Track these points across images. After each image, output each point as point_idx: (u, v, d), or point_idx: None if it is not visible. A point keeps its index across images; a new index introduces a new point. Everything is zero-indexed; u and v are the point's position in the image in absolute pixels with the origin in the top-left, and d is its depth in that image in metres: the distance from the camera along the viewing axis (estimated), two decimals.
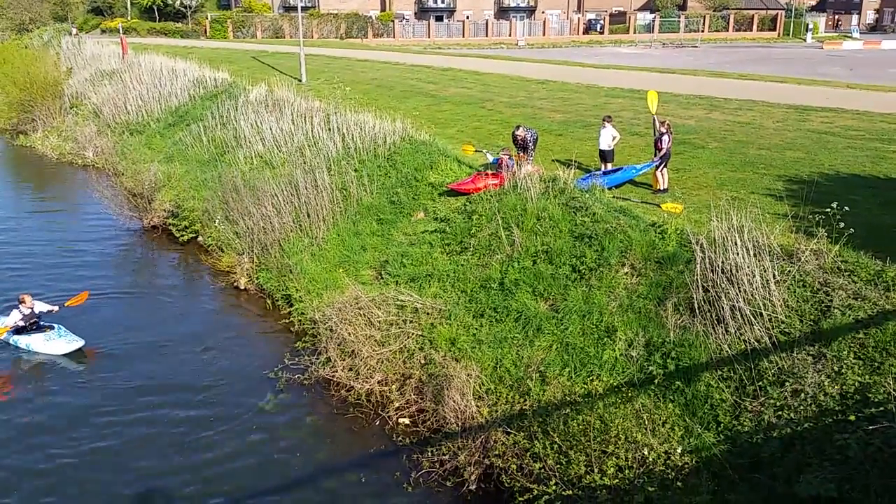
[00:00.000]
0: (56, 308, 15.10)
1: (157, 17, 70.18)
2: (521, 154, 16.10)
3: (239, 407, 12.23)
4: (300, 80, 32.01)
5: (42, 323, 14.92)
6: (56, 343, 14.58)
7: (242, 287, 16.97)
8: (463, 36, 75.09)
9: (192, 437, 11.45)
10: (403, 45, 65.30)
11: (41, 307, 14.97)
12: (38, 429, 11.81)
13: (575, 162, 15.38)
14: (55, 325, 14.88)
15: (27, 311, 14.71)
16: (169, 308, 16.26)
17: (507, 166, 15.32)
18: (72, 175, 28.68)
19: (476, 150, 16.64)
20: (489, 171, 15.71)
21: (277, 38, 66.79)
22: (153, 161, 24.08)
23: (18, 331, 14.71)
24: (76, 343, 14.56)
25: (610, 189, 14.87)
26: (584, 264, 12.05)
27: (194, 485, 10.38)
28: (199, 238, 19.77)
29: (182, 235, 19.90)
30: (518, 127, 16.45)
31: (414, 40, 72.12)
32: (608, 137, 15.86)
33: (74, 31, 61.87)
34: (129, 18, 69.36)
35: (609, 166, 15.99)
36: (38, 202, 25.51)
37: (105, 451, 11.20)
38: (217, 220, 18.99)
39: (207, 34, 65.95)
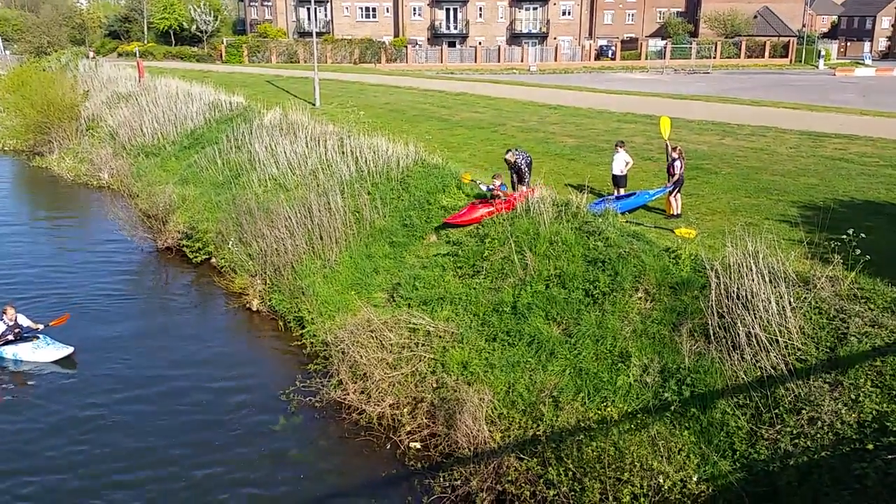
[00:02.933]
0: (40, 326, 15.22)
1: (174, 41, 71.21)
2: (518, 183, 15.97)
3: (250, 428, 12.20)
4: (314, 104, 32.30)
5: (25, 334, 15.01)
6: (45, 351, 14.69)
7: (255, 308, 17.01)
8: (475, 61, 75.73)
9: (201, 458, 11.41)
10: (416, 70, 65.89)
11: (24, 321, 15.08)
12: (41, 441, 11.83)
13: (588, 186, 15.39)
14: (40, 335, 15.00)
15: (10, 323, 14.81)
16: (181, 328, 16.30)
17: (502, 194, 15.25)
18: (87, 196, 28.95)
19: (472, 180, 16.51)
20: (486, 200, 15.64)
21: (292, 62, 67.57)
22: (168, 183, 24.31)
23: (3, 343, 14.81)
24: (65, 350, 14.68)
25: (623, 214, 14.86)
26: (598, 289, 12.01)
27: None
28: (213, 259, 19.87)
29: (196, 257, 20.01)
30: (508, 151, 16.16)
31: (427, 65, 72.79)
32: (621, 162, 15.88)
33: (92, 54, 62.82)
34: (145, 42, 70.41)
35: (622, 191, 16.00)
36: (53, 222, 25.72)
37: (107, 468, 11.19)
38: (230, 242, 19.10)
39: (223, 58, 66.84)
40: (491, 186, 15.59)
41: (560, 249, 13.11)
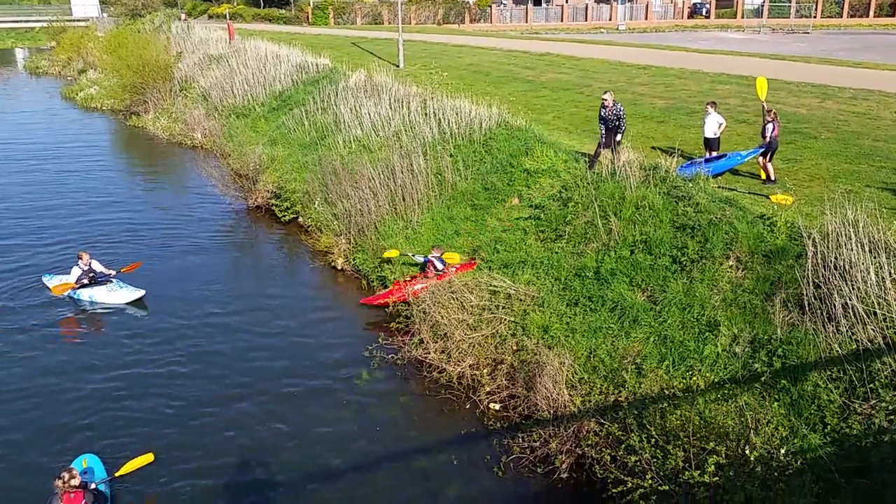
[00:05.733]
0: (112, 272, 16.07)
1: (262, 4, 72.32)
2: (606, 135, 15.09)
3: (333, 381, 12.58)
4: (398, 66, 32.35)
5: (99, 279, 15.84)
6: (119, 293, 15.56)
7: (339, 267, 17.39)
8: (561, 21, 73.95)
9: (280, 408, 11.83)
10: (500, 31, 64.91)
11: (98, 267, 15.94)
12: (115, 380, 12.63)
13: (678, 150, 14.92)
14: (112, 279, 15.83)
15: (85, 268, 15.65)
16: (268, 283, 16.86)
17: (436, 268, 14.42)
18: (181, 155, 30.06)
19: (402, 255, 15.23)
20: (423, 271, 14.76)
21: (376, 24, 67.68)
22: (258, 144, 24.94)
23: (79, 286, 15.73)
24: (138, 292, 15.50)
25: (714, 177, 14.38)
26: (686, 255, 11.71)
27: (282, 454, 10.71)
28: (300, 219, 20.38)
29: (284, 216, 20.57)
30: (607, 92, 15.41)
31: (511, 25, 71.58)
32: (713, 124, 15.30)
33: (183, 16, 64.51)
34: (235, 4, 71.77)
35: (713, 154, 15.46)
36: (149, 180, 26.89)
37: (191, 413, 11.71)
38: (316, 202, 19.52)
39: (310, 21, 67.51)
40: (428, 257, 14.74)
41: (647, 214, 12.82)
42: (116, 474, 9.75)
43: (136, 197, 24.22)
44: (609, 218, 13.09)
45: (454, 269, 14.41)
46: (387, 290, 15.00)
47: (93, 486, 9.20)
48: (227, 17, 57.03)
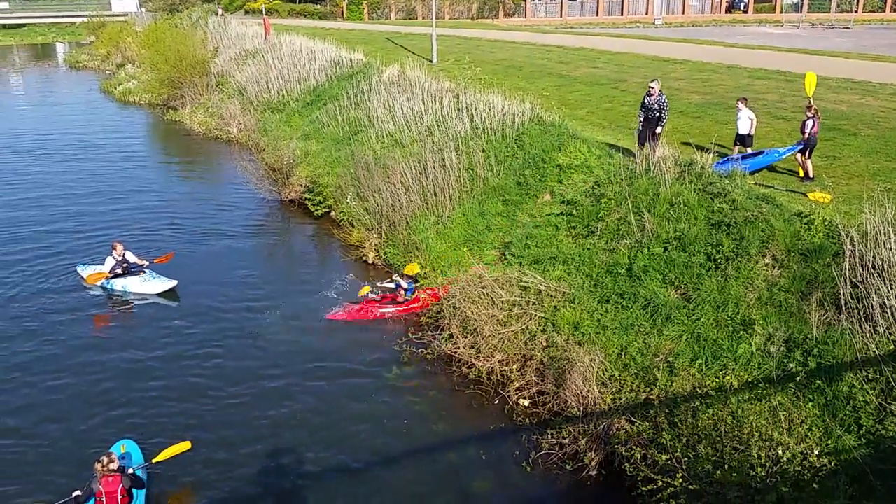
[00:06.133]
0: (146, 262, 16.34)
1: None
2: (645, 126, 15.05)
3: (363, 376, 12.66)
4: (431, 61, 32.38)
5: (132, 269, 16.14)
6: (152, 283, 15.84)
7: (371, 261, 17.49)
8: (597, 15, 73.29)
9: (313, 400, 11.94)
10: (534, 25, 64.58)
11: (131, 257, 16.20)
12: (148, 369, 12.93)
13: (714, 146, 14.71)
14: (146, 269, 16.12)
15: (119, 258, 15.94)
16: (301, 277, 17.00)
17: (405, 291, 14.61)
18: (217, 149, 30.46)
19: (371, 289, 14.99)
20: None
21: (410, 19, 67.78)
22: (292, 138, 25.15)
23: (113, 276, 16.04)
24: (171, 282, 15.75)
25: (751, 174, 14.17)
26: (721, 253, 11.56)
27: (312, 444, 10.81)
28: (332, 213, 20.52)
29: (316, 210, 20.73)
30: (655, 80, 15.36)
31: (545, 20, 71.15)
32: (746, 120, 15.16)
33: (220, 11, 65.25)
34: (271, 0, 72.37)
35: (749, 150, 15.25)
36: (185, 173, 27.33)
37: (224, 404, 11.90)
38: (349, 197, 19.64)
39: (344, 16, 67.86)
40: (398, 283, 14.83)
41: (681, 211, 12.68)
42: (154, 460, 9.95)
43: (171, 189, 24.63)
44: (643, 214, 12.97)
45: (426, 295, 14.56)
46: (357, 307, 14.84)
47: (130, 470, 9.41)
48: (264, 12, 57.50)
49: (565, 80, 27.51)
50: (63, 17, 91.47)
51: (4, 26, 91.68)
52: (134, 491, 9.23)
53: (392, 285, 14.99)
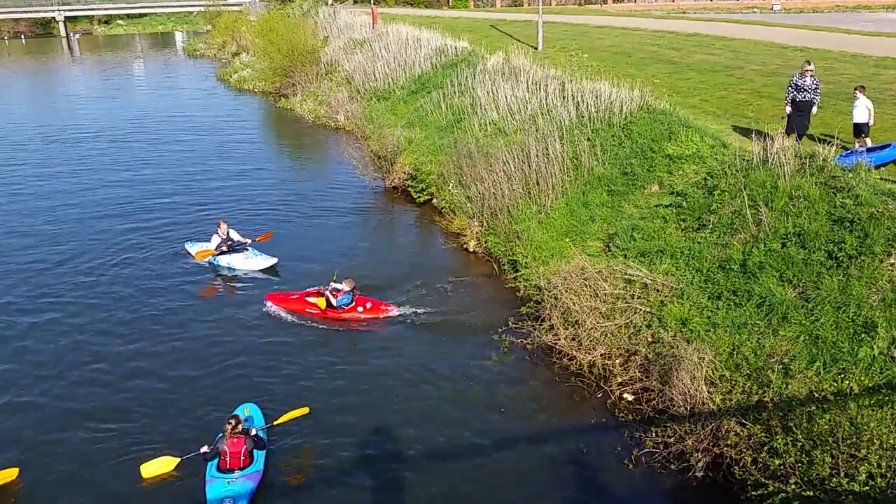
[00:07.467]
0: (248, 240, 17.04)
1: None
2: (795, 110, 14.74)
3: (462, 363, 12.70)
4: (536, 48, 32.00)
5: (236, 247, 16.82)
6: (255, 260, 16.58)
7: (471, 249, 17.51)
8: (711, 0, 70.58)
9: (411, 385, 12.11)
10: (645, 10, 62.82)
11: (235, 235, 16.91)
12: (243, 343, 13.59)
13: (837, 138, 13.87)
14: (248, 247, 16.81)
15: (223, 236, 16.61)
16: (402, 262, 17.21)
17: (337, 301, 14.20)
18: (325, 136, 31.31)
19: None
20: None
21: (516, 5, 67.39)
22: (396, 126, 25.50)
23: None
24: (271, 260, 16.47)
25: (877, 168, 13.28)
26: (843, 251, 10.88)
27: (412, 424, 11.00)
28: (434, 200, 20.67)
29: (419, 197, 20.95)
30: (811, 62, 15.24)
31: (657, 5, 69.20)
32: (863, 109, 14.30)
33: (330, 1, 66.73)
34: None
35: (868, 141, 14.39)
36: (293, 158, 28.39)
37: (332, 372, 12.47)
38: (451, 184, 19.72)
39: (450, 4, 68.14)
40: (338, 286, 14.37)
41: (801, 206, 12.01)
42: (275, 423, 10.61)
43: (279, 173, 25.71)
44: (759, 208, 12.37)
45: (365, 307, 14.33)
46: (299, 294, 14.70)
47: (253, 432, 10.04)
48: (372, 1, 58.48)
49: (677, 66, 26.59)
50: (182, 6, 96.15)
51: (129, 16, 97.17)
52: (255, 452, 9.87)
53: (339, 285, 14.57)
